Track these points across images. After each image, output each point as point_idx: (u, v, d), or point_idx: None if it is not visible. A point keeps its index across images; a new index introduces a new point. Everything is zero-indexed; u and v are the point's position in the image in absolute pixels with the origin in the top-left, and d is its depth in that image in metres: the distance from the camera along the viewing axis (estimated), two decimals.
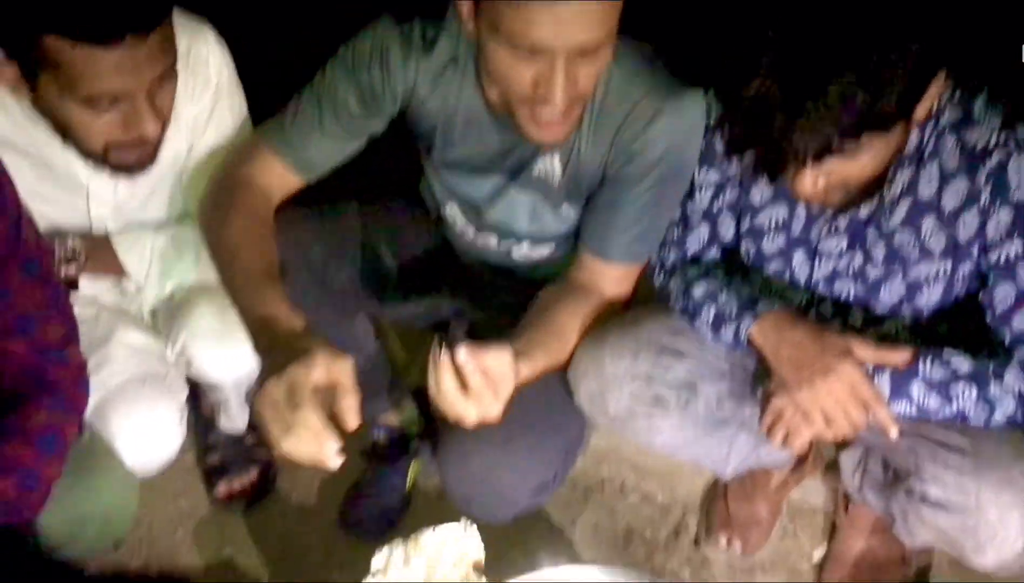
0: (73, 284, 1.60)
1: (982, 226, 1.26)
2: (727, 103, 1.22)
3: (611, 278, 1.49)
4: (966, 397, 1.24)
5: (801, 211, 1.39)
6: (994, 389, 1.24)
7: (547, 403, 1.42)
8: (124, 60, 1.27)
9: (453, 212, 1.60)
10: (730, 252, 1.50)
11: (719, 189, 1.43)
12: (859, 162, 1.19)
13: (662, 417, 1.41)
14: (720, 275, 1.45)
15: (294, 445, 1.15)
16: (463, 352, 1.20)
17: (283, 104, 1.50)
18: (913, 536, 1.37)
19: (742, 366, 1.44)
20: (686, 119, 1.38)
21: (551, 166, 1.46)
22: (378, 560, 1.31)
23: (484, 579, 1.30)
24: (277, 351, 1.20)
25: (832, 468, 1.72)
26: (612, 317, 1.47)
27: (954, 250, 1.30)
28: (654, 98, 1.37)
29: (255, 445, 1.85)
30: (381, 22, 1.43)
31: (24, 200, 1.24)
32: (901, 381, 1.26)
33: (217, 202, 1.45)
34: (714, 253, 1.49)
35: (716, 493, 1.73)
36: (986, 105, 1.26)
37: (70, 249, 1.54)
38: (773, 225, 1.41)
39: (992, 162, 1.23)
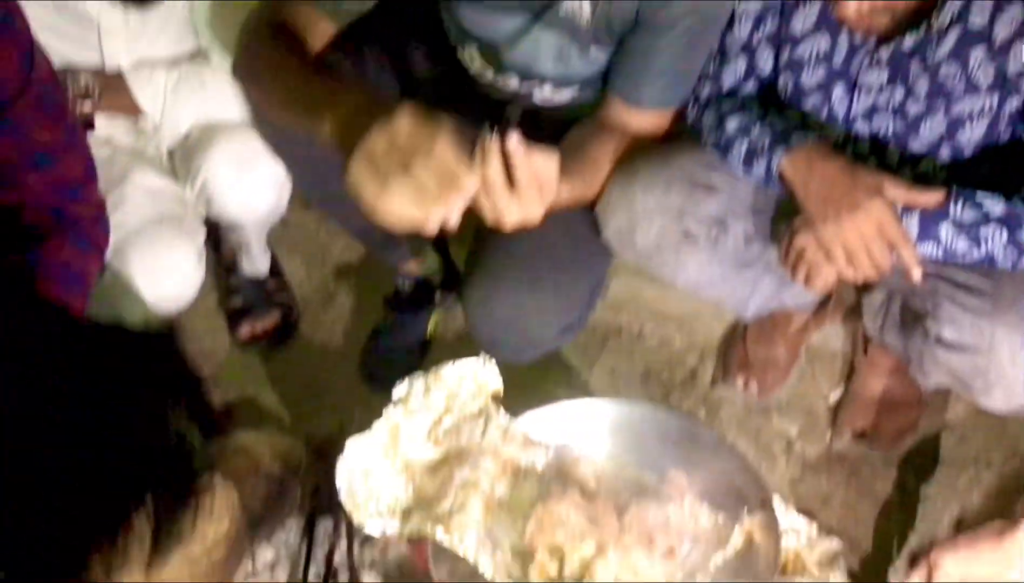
0: (88, 123, 1.58)
1: None
2: None
3: (642, 124, 1.46)
4: (995, 240, 1.22)
5: (843, 41, 1.34)
6: None
7: (572, 244, 1.42)
8: None
9: (471, 54, 1.55)
10: (766, 89, 1.47)
11: (759, 20, 1.39)
12: None
13: (690, 253, 1.40)
14: (755, 109, 1.41)
15: (399, 204, 1.08)
16: (515, 139, 1.15)
17: None
18: (927, 377, 1.38)
19: (774, 203, 1.42)
20: None
21: (579, 6, 1.40)
22: (399, 391, 1.33)
23: (502, 410, 1.32)
24: (358, 123, 1.12)
25: (853, 312, 1.73)
26: (640, 157, 1.45)
27: (1002, 84, 1.25)
28: None
29: (277, 288, 1.87)
30: None
31: (37, 36, 1.22)
32: (930, 222, 1.24)
33: (251, 53, 1.39)
34: (751, 87, 1.45)
35: (735, 337, 1.74)
36: None
37: (83, 86, 1.52)
38: (813, 56, 1.37)
39: None
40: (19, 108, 1.20)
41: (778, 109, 1.45)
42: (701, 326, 1.81)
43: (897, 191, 1.26)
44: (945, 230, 1.24)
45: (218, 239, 1.85)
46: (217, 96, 1.55)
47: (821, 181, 1.28)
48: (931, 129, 1.33)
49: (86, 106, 1.54)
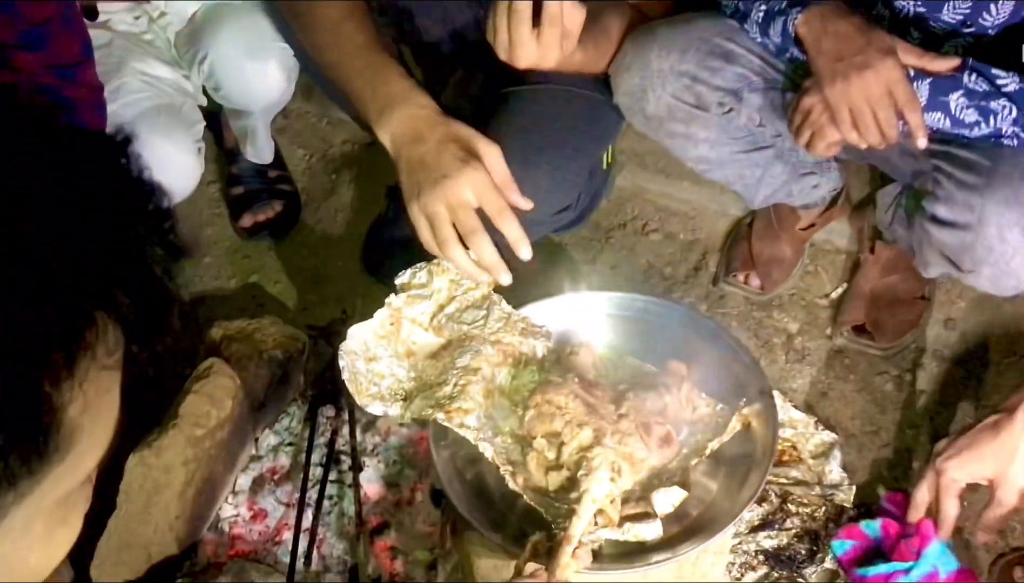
0: (91, 11, 1.55)
1: None
2: None
3: (655, 5, 1.44)
4: (1004, 116, 1.21)
5: None
6: None
7: (570, 125, 1.40)
8: None
9: None
10: None
11: None
12: None
13: (701, 125, 1.38)
14: None
15: (462, 259, 1.23)
16: None
17: None
18: (927, 264, 1.38)
19: (791, 80, 1.39)
20: None
21: None
22: (402, 278, 1.33)
23: (504, 300, 1.32)
24: (408, 135, 1.23)
25: (860, 209, 1.71)
26: (661, 20, 1.42)
27: None
28: None
29: (279, 178, 1.86)
30: None
31: None
32: (942, 88, 1.22)
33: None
34: None
35: (739, 234, 1.73)
36: None
37: None
38: None
39: None
40: None
41: None
42: (706, 222, 1.80)
43: (911, 55, 1.24)
44: (956, 98, 1.22)
45: (221, 126, 1.83)
46: None
47: (834, 38, 1.25)
48: (954, 9, 1.30)
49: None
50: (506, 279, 1.24)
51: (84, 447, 0.45)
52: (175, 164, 1.49)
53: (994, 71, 1.22)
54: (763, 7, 1.33)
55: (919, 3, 1.32)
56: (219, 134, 1.86)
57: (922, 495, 1.23)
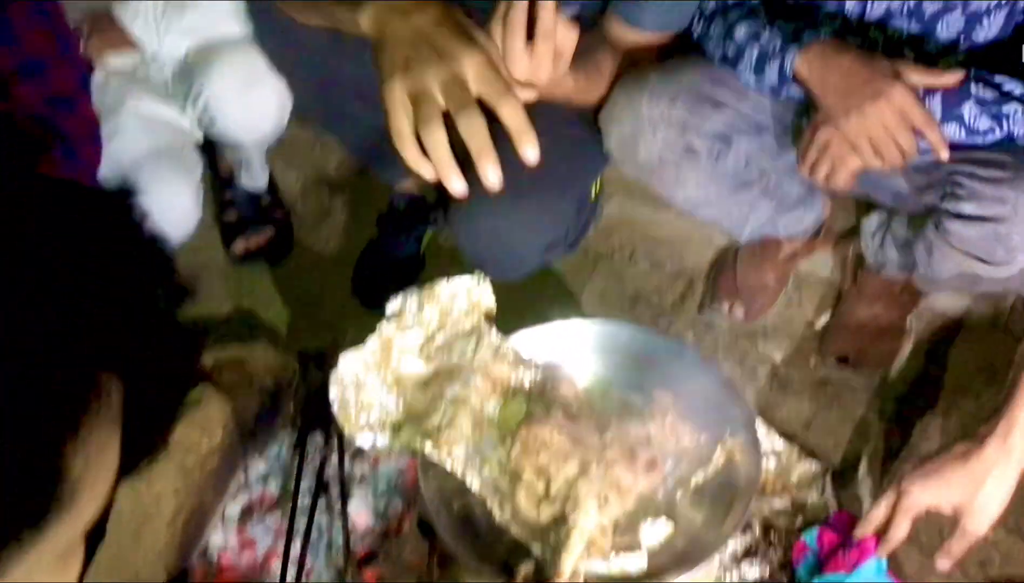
0: (87, 66, 1.55)
1: None
2: None
3: (640, 44, 1.45)
4: (1017, 118, 1.24)
5: None
6: None
7: (558, 159, 1.40)
8: None
9: None
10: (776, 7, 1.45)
11: None
12: None
13: (691, 169, 1.41)
14: (762, 15, 1.40)
15: (417, 158, 1.00)
16: None
17: None
18: (936, 273, 1.39)
19: (780, 121, 1.43)
20: None
21: None
22: (392, 305, 1.34)
23: (494, 329, 1.34)
24: (397, 8, 1.02)
25: (844, 239, 1.74)
26: (650, 67, 1.44)
27: None
28: None
29: (272, 204, 1.88)
30: None
31: None
32: (952, 102, 1.26)
33: None
34: None
35: (725, 262, 1.76)
36: None
37: (73, 24, 1.49)
38: None
39: None
40: (12, 15, 1.18)
41: (784, 13, 1.44)
42: (692, 250, 1.83)
43: (916, 75, 1.27)
44: (968, 109, 1.25)
45: (215, 153, 1.85)
46: (210, 13, 1.53)
47: (838, 74, 1.28)
48: (948, 27, 1.33)
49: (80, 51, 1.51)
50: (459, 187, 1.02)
51: (85, 500, 0.46)
52: (175, 210, 1.51)
53: (998, 78, 1.25)
54: (756, 49, 1.35)
55: (913, 22, 1.35)
56: (213, 160, 1.87)
57: (877, 513, 1.24)
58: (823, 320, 1.71)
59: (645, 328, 1.39)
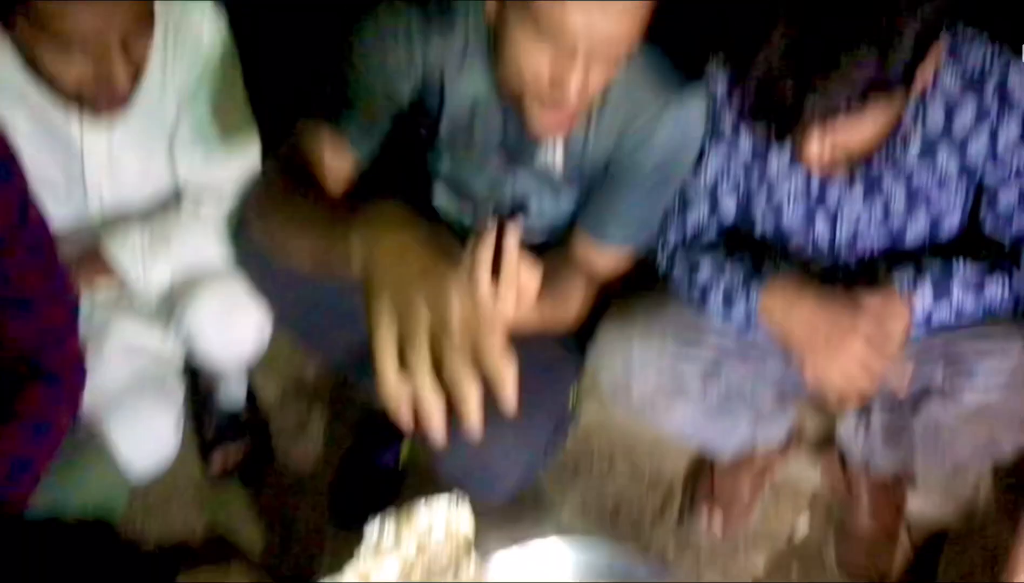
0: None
1: (992, 143, 1.31)
2: (738, 71, 1.25)
3: (606, 259, 1.51)
4: (996, 292, 1.32)
5: (816, 178, 1.41)
6: (1017, 282, 1.32)
7: (533, 384, 1.43)
8: (96, 4, 1.28)
9: (445, 195, 1.60)
10: (738, 236, 1.53)
11: (724, 168, 1.45)
12: (863, 126, 1.22)
13: (681, 404, 1.44)
14: (722, 251, 1.47)
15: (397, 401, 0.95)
16: (514, 228, 1.18)
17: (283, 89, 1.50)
18: (945, 453, 1.41)
19: (763, 344, 1.47)
20: (690, 116, 1.41)
21: (554, 155, 1.47)
22: (370, 532, 1.33)
23: (473, 553, 1.33)
24: (393, 223, 1.02)
25: (825, 449, 1.75)
26: (637, 299, 1.50)
27: (969, 172, 1.35)
28: (660, 95, 1.39)
29: (251, 419, 1.88)
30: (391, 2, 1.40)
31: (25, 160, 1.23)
32: (941, 282, 1.32)
33: (270, 187, 1.36)
34: (714, 230, 1.50)
35: (702, 469, 1.77)
36: (969, 32, 1.31)
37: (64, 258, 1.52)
38: (792, 196, 1.44)
39: (994, 78, 1.28)
40: (8, 255, 1.21)
41: (754, 244, 1.51)
42: (669, 455, 1.84)
43: (873, 300, 1.33)
44: (956, 287, 1.32)
45: (194, 370, 1.86)
46: (193, 247, 1.58)
47: (799, 323, 1.34)
48: (915, 232, 1.41)
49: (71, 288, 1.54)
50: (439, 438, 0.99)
51: None
52: (155, 442, 1.51)
53: (981, 261, 1.34)
54: (721, 289, 1.41)
55: (882, 238, 1.42)
56: (193, 375, 1.89)
57: None
58: (802, 528, 1.71)
59: (626, 550, 1.38)
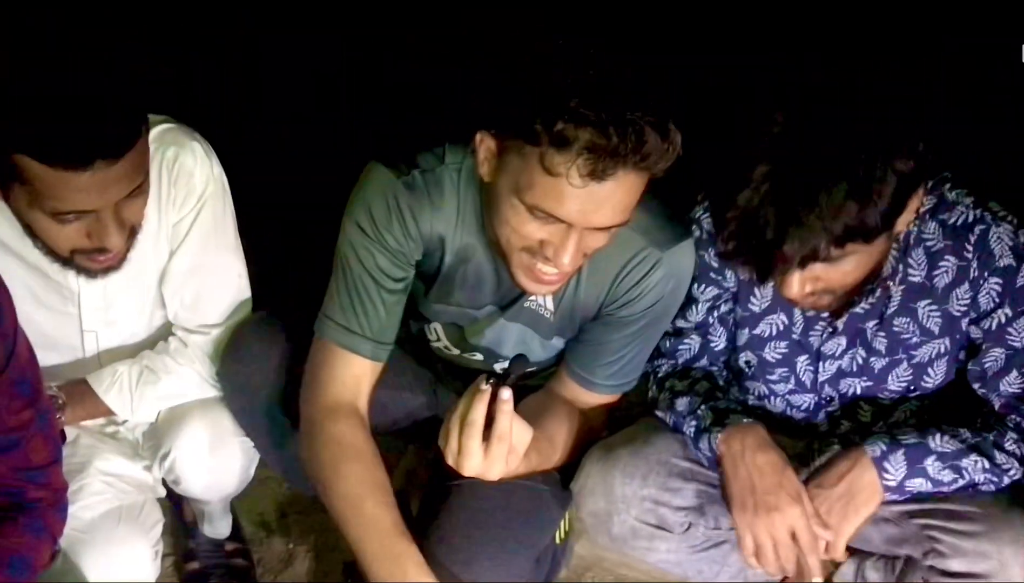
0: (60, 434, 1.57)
1: (974, 298, 1.33)
2: (719, 215, 1.27)
3: (592, 402, 1.53)
4: (976, 468, 1.30)
5: (799, 316, 1.42)
6: (1000, 457, 1.30)
7: (512, 519, 1.42)
8: (92, 182, 1.29)
9: (437, 332, 1.61)
10: (728, 364, 1.53)
11: (714, 303, 1.47)
12: (843, 269, 1.24)
13: (662, 540, 1.43)
14: (706, 386, 1.47)
15: None
16: (508, 393, 1.21)
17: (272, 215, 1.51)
18: None
19: None
20: (680, 268, 1.43)
21: (543, 302, 1.48)
22: None
23: None
24: None
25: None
26: (622, 433, 1.51)
27: (951, 325, 1.35)
28: (653, 248, 1.40)
29: (236, 552, 1.84)
30: (375, 174, 1.40)
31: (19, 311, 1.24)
32: (915, 457, 1.31)
33: (316, 449, 1.42)
34: (704, 363, 1.52)
35: None
36: (954, 189, 1.34)
37: (50, 399, 1.51)
38: (774, 333, 1.45)
39: (975, 235, 1.30)
40: None
41: (739, 384, 1.51)
42: None
43: (809, 507, 1.33)
44: (931, 464, 1.30)
45: (180, 500, 1.83)
46: (181, 384, 1.58)
47: (749, 469, 1.35)
48: (898, 380, 1.42)
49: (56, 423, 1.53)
50: None
51: None
52: (129, 574, 1.47)
53: (951, 430, 1.33)
54: (693, 424, 1.42)
55: (864, 379, 1.42)
56: (178, 506, 1.85)
57: None
58: None
59: None
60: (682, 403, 1.44)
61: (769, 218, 1.17)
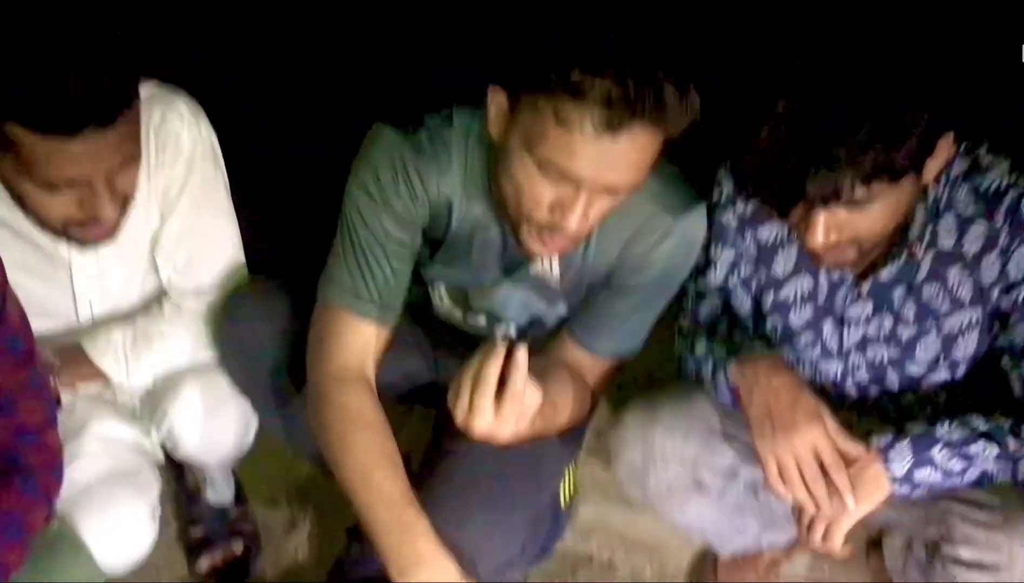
0: (55, 399, 1.57)
1: (1003, 267, 1.27)
2: (742, 151, 1.23)
3: (594, 368, 1.50)
4: (987, 456, 1.24)
5: (824, 280, 1.39)
6: (1013, 445, 1.24)
7: (508, 478, 1.40)
8: (83, 150, 1.26)
9: (440, 295, 1.59)
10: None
11: (734, 265, 1.45)
12: (868, 215, 1.20)
13: (696, 501, 1.42)
14: (726, 328, 1.45)
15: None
16: (524, 351, 1.18)
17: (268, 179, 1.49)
18: None
19: None
20: (692, 236, 1.41)
21: (550, 267, 1.45)
22: None
23: None
24: None
25: (873, 552, 1.69)
26: (665, 389, 1.49)
27: (981, 295, 1.30)
28: (665, 215, 1.37)
29: (240, 518, 1.83)
30: (382, 136, 1.37)
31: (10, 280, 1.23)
32: (922, 446, 1.26)
33: (325, 418, 1.39)
34: (726, 323, 1.48)
35: (704, 567, 1.72)
36: (990, 153, 1.29)
37: (44, 363, 1.51)
38: (799, 297, 1.42)
39: (1007, 202, 1.25)
40: None
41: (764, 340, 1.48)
42: (671, 554, 1.79)
43: (831, 423, 1.28)
44: (937, 452, 1.25)
45: (181, 468, 1.83)
46: (176, 347, 1.56)
47: (764, 393, 1.31)
48: (927, 350, 1.37)
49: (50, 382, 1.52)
50: None
51: None
52: (128, 535, 1.47)
53: (961, 418, 1.27)
54: (710, 363, 1.39)
55: (892, 347, 1.39)
56: (180, 474, 1.85)
57: None
58: None
59: None
60: (701, 346, 1.42)
61: (792, 154, 1.14)
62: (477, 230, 1.42)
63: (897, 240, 1.30)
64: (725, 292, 1.47)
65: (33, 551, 1.24)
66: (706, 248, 1.44)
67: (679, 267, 1.43)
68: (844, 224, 1.21)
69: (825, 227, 1.21)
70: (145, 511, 1.50)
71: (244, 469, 1.90)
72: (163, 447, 1.62)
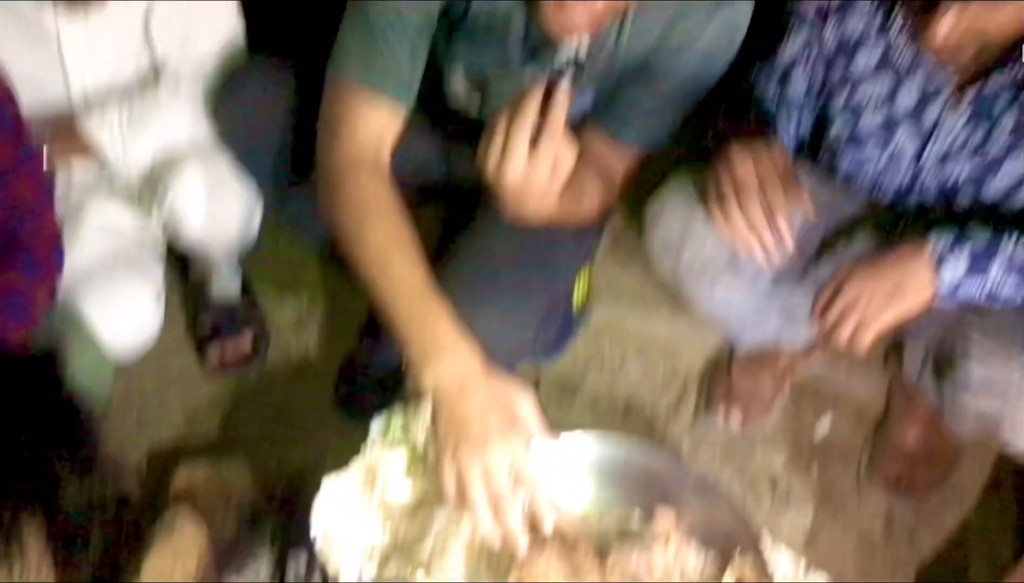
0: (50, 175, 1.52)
1: None
2: None
3: (618, 159, 1.43)
4: None
5: (915, 85, 1.31)
6: None
7: (523, 263, 1.37)
8: None
9: (458, 80, 1.51)
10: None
11: (802, 51, 1.39)
12: (1001, 13, 1.11)
13: (728, 282, 1.38)
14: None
15: (485, 522, 1.17)
16: (565, 87, 1.12)
17: None
18: (959, 425, 1.36)
19: (811, 241, 1.40)
20: (738, 22, 1.32)
21: (578, 52, 1.37)
22: (376, 426, 1.29)
23: None
24: (453, 389, 1.22)
25: (894, 354, 1.67)
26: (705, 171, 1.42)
27: None
28: None
29: (247, 310, 1.82)
30: None
31: None
32: (982, 256, 1.21)
33: (339, 206, 1.33)
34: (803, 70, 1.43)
35: (720, 367, 1.71)
36: None
37: (36, 134, 1.46)
38: (874, 100, 1.35)
39: None
40: None
41: None
42: (684, 354, 1.78)
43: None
44: (996, 267, 1.20)
45: (187, 261, 1.80)
46: (173, 123, 1.50)
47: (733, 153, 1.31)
48: (1009, 172, 1.30)
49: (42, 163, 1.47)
50: (522, 546, 1.18)
51: None
52: (134, 318, 1.46)
53: None
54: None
55: (973, 165, 1.32)
56: (185, 267, 1.82)
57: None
58: (823, 428, 1.66)
59: (641, 442, 1.33)
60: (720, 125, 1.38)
61: None
62: (499, 9, 1.34)
63: (1013, 48, 1.20)
64: (783, 77, 1.40)
65: (37, 340, 1.24)
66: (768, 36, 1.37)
67: (719, 55, 1.35)
68: (973, 23, 1.12)
69: (957, 19, 1.12)
70: (149, 293, 1.48)
71: (251, 269, 1.88)
72: (167, 241, 1.59)
